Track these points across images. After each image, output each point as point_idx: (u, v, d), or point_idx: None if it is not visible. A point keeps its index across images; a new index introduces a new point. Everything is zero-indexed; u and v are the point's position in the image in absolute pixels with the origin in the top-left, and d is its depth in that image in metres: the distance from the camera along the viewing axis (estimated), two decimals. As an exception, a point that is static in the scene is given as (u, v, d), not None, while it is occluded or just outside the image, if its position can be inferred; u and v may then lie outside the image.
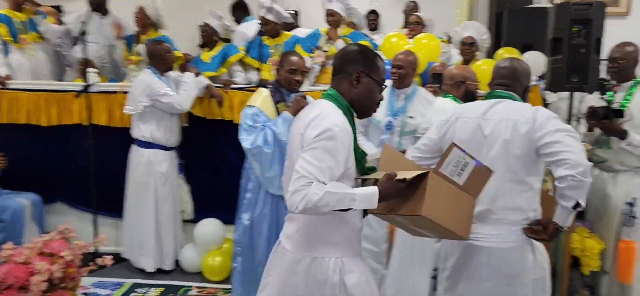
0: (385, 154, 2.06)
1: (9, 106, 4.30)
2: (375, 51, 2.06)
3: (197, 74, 4.14)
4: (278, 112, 3.16)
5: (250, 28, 5.01)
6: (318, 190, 1.75)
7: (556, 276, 3.26)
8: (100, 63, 4.95)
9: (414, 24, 5.08)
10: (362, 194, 1.81)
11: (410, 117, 3.49)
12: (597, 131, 3.37)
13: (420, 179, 1.85)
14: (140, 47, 4.75)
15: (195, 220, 4.21)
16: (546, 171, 2.36)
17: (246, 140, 3.10)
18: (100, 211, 4.21)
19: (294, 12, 6.09)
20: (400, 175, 1.84)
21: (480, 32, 4.42)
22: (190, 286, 3.92)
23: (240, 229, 3.32)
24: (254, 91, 3.57)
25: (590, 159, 2.18)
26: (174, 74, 4.18)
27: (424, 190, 1.83)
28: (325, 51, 4.51)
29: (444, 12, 6.11)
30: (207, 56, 4.69)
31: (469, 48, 4.35)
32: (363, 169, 1.97)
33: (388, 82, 3.40)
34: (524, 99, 2.36)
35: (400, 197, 1.87)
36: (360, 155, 1.95)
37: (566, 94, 3.66)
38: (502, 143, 2.18)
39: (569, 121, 3.50)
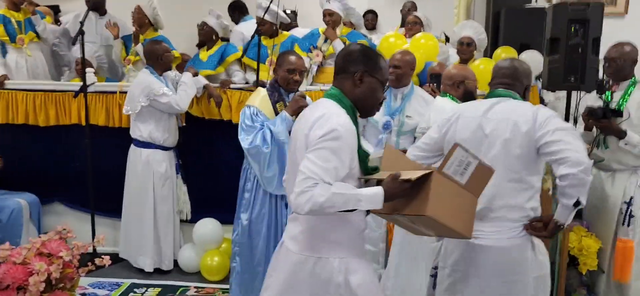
0: (387, 154, 2.06)
1: (6, 106, 4.30)
2: (378, 51, 2.06)
3: (195, 74, 4.14)
4: (276, 112, 3.16)
5: (247, 28, 5.02)
6: (324, 191, 1.74)
7: (554, 275, 3.26)
8: (98, 63, 4.95)
9: (411, 24, 5.08)
10: (368, 194, 1.81)
11: (408, 116, 3.50)
12: (595, 130, 3.37)
13: (424, 179, 1.86)
14: (138, 47, 4.75)
15: (193, 220, 4.21)
16: (546, 170, 2.37)
17: (245, 140, 3.10)
18: (97, 211, 4.20)
19: (292, 12, 6.08)
20: (405, 175, 1.84)
21: (477, 32, 4.42)
22: (189, 286, 3.92)
23: (238, 229, 3.31)
24: (252, 91, 3.58)
25: (588, 158, 2.19)
26: (172, 74, 4.18)
27: (428, 190, 1.83)
28: (323, 51, 4.51)
29: (442, 11, 6.11)
30: (205, 54, 4.69)
31: (466, 48, 4.35)
32: (366, 169, 1.97)
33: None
34: (524, 98, 2.37)
35: (404, 197, 1.87)
36: (363, 155, 1.95)
37: (564, 93, 3.66)
38: (502, 142, 2.19)
39: (566, 121, 3.51)
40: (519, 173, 2.19)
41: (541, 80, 3.79)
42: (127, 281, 3.95)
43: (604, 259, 3.45)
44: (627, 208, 3.32)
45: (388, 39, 4.53)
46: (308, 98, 3.26)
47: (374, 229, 3.51)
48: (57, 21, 5.48)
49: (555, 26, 3.41)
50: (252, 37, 4.04)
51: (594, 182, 3.32)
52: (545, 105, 3.91)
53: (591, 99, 3.50)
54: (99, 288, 3.84)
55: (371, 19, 6.56)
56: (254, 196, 3.25)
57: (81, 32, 3.90)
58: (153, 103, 3.88)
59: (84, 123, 4.13)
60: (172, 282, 3.98)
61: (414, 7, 5.94)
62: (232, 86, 4.21)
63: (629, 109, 3.27)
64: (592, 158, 3.40)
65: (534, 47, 4.42)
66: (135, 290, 3.85)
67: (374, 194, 1.82)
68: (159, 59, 3.98)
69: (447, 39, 5.43)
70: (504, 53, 4.47)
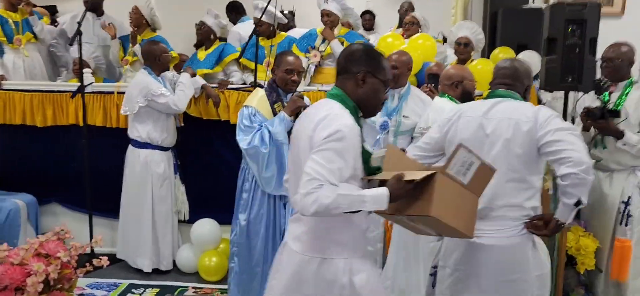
0: (389, 154, 2.06)
1: (3, 106, 4.29)
2: (380, 51, 2.06)
3: (193, 75, 4.14)
4: (274, 113, 3.16)
5: (244, 29, 5.02)
6: (329, 193, 1.74)
7: (551, 275, 3.27)
8: (95, 64, 4.94)
9: (409, 24, 5.09)
10: (373, 195, 1.81)
11: (405, 116, 3.50)
12: (593, 130, 3.38)
13: (428, 179, 1.87)
14: (136, 48, 4.75)
15: (191, 221, 4.21)
16: (545, 169, 2.38)
17: (243, 140, 3.09)
18: (95, 212, 4.20)
19: (289, 12, 6.09)
20: (409, 176, 1.85)
21: (475, 32, 4.43)
22: (187, 287, 3.91)
23: (237, 229, 3.31)
24: (250, 92, 3.58)
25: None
26: (169, 74, 4.17)
27: (432, 191, 1.84)
28: (321, 51, 4.51)
29: (439, 12, 6.12)
30: (203, 54, 4.69)
31: (464, 48, 4.36)
32: (369, 170, 1.96)
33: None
34: (525, 98, 2.38)
35: (408, 197, 1.88)
36: (366, 155, 1.95)
37: (561, 93, 3.67)
38: (503, 142, 2.20)
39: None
40: (520, 172, 2.20)
41: (539, 80, 3.80)
42: (125, 282, 3.95)
43: (601, 259, 3.46)
44: (625, 208, 3.34)
45: (386, 40, 4.53)
46: (306, 99, 3.26)
47: (372, 229, 3.52)
48: (54, 22, 5.47)
49: (553, 26, 3.42)
50: (250, 37, 4.04)
51: (592, 182, 3.34)
52: (543, 105, 3.92)
53: (589, 100, 3.51)
54: (97, 289, 3.83)
55: (369, 19, 6.57)
56: (252, 197, 3.24)
57: (79, 33, 3.90)
58: (151, 104, 3.87)
59: (81, 123, 4.13)
60: (170, 283, 3.97)
61: (411, 7, 5.95)
62: (229, 86, 4.21)
63: (627, 109, 3.28)
64: (590, 158, 3.41)
65: (532, 48, 4.43)
66: (133, 290, 3.85)
67: (379, 195, 1.81)
68: (157, 60, 3.97)
69: (445, 40, 5.44)
70: (502, 53, 4.49)
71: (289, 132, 3.14)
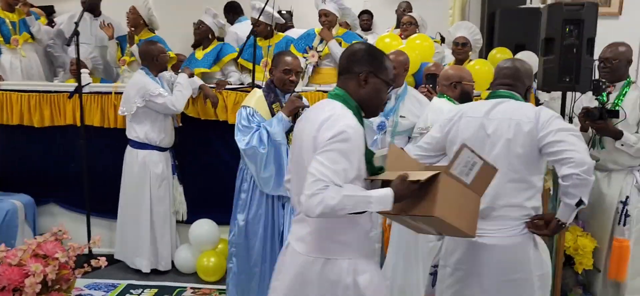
0: (391, 153, 2.06)
1: (1, 107, 4.27)
2: (382, 51, 2.05)
3: (191, 75, 4.14)
4: (272, 113, 3.15)
5: (241, 29, 5.02)
6: (335, 194, 1.73)
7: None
8: (93, 64, 4.93)
9: (406, 24, 5.09)
10: (378, 196, 1.81)
11: (402, 117, 3.51)
12: (591, 130, 3.39)
13: (432, 179, 1.87)
14: (134, 48, 4.74)
15: (190, 221, 4.20)
16: (546, 170, 2.39)
17: (241, 140, 3.09)
18: (93, 212, 4.19)
19: (287, 12, 6.08)
20: (413, 176, 1.85)
21: (472, 32, 4.43)
22: (185, 287, 3.91)
23: (235, 229, 3.31)
24: (248, 92, 3.57)
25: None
26: (167, 74, 4.17)
27: (435, 191, 1.85)
28: (319, 51, 4.51)
29: (437, 12, 6.12)
30: (200, 53, 4.68)
31: (461, 48, 4.36)
32: (372, 169, 1.96)
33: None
34: (526, 99, 2.39)
35: (412, 197, 1.88)
36: (369, 155, 1.94)
37: (558, 93, 3.68)
38: (504, 142, 2.21)
39: (562, 121, 3.52)
40: (521, 172, 2.21)
41: (536, 80, 3.81)
42: (124, 283, 3.95)
43: (599, 258, 3.47)
44: (623, 208, 3.35)
45: (383, 40, 4.53)
46: (305, 99, 3.26)
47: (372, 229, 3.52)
48: (51, 22, 5.46)
49: (550, 26, 3.42)
50: (248, 38, 4.04)
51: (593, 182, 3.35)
52: (541, 105, 3.93)
53: (586, 100, 3.52)
54: (95, 290, 3.83)
55: (366, 19, 6.58)
56: (251, 197, 3.24)
57: (76, 33, 3.89)
58: (149, 104, 3.87)
59: (79, 124, 4.12)
60: (169, 283, 3.97)
61: (409, 7, 5.95)
62: (227, 86, 4.21)
63: (624, 109, 3.29)
64: (590, 158, 3.42)
65: (529, 48, 4.43)
66: (131, 290, 3.84)
67: (384, 196, 1.81)
68: (155, 60, 3.97)
69: (443, 40, 5.44)
70: (499, 54, 4.48)
71: (288, 133, 3.14)
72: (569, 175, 2.06)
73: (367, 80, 1.94)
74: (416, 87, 3.95)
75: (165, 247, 4.12)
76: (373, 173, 1.96)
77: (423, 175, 1.86)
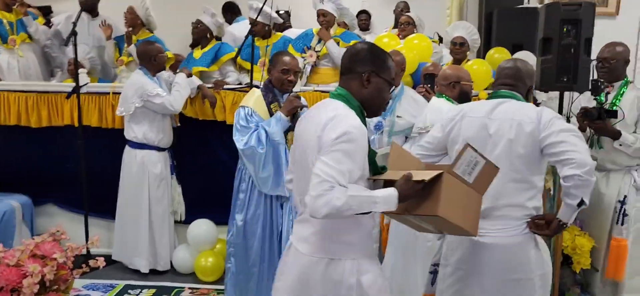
0: (394, 152, 2.07)
1: (-2, 107, 4.27)
2: (384, 50, 2.04)
3: (189, 75, 4.14)
4: (271, 113, 3.16)
5: (239, 29, 5.01)
6: (341, 195, 1.73)
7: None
8: (90, 65, 4.93)
9: (404, 24, 5.10)
10: (383, 196, 1.81)
11: (398, 117, 3.51)
12: (588, 130, 3.40)
13: (435, 179, 1.87)
14: (131, 48, 4.73)
15: (188, 221, 4.20)
16: (546, 170, 2.40)
17: (240, 140, 3.09)
18: (91, 213, 4.19)
19: (285, 12, 6.09)
20: (417, 176, 1.85)
21: (470, 32, 4.44)
22: (183, 287, 3.91)
23: (233, 230, 3.31)
24: (246, 92, 3.57)
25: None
26: (165, 74, 4.17)
27: (439, 190, 1.85)
28: (317, 51, 4.51)
29: (435, 12, 6.13)
30: (198, 52, 4.68)
31: (459, 48, 4.37)
32: (376, 169, 1.96)
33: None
34: (527, 99, 2.40)
35: (416, 197, 1.88)
36: (372, 155, 1.94)
37: (556, 93, 3.69)
38: (506, 142, 2.21)
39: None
40: (522, 172, 2.22)
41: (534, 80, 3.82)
42: (122, 283, 3.94)
43: (597, 258, 3.48)
44: (621, 207, 3.36)
45: (381, 40, 4.53)
46: (303, 99, 3.26)
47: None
48: (48, 22, 5.45)
49: (548, 26, 3.42)
50: (246, 37, 4.04)
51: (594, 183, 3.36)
52: (538, 105, 3.94)
53: (584, 100, 3.53)
54: (93, 290, 3.82)
55: (364, 19, 6.58)
56: (249, 197, 3.24)
57: (74, 33, 3.88)
58: (147, 104, 3.86)
59: (76, 124, 4.11)
60: (167, 283, 3.97)
61: (406, 7, 5.96)
62: (225, 86, 4.21)
63: (622, 109, 3.30)
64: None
65: (527, 48, 4.44)
66: (129, 291, 3.84)
67: (389, 196, 1.81)
68: (153, 60, 3.97)
69: (440, 40, 5.45)
70: (497, 54, 4.50)
71: (286, 133, 3.14)
72: (571, 176, 2.07)
73: (370, 80, 1.93)
74: (414, 87, 3.95)
75: (163, 247, 4.12)
76: (376, 173, 1.95)
77: (427, 175, 1.86)
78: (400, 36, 4.87)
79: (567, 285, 3.58)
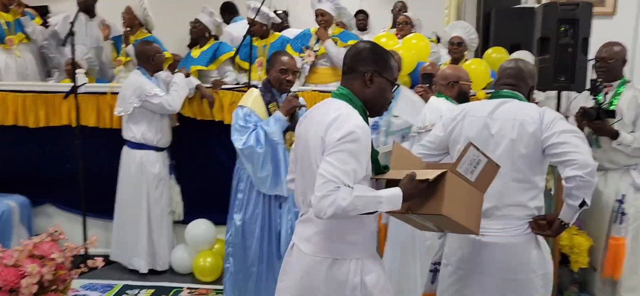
0: (395, 152, 2.07)
1: (-5, 107, 4.26)
2: (387, 50, 2.04)
3: (187, 75, 4.13)
4: (269, 113, 3.15)
5: (236, 29, 5.01)
6: (346, 195, 1.72)
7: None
8: (88, 65, 4.92)
9: (402, 24, 5.10)
10: (388, 196, 1.80)
11: (395, 116, 3.51)
12: (587, 130, 3.41)
13: (439, 178, 1.87)
14: (129, 48, 4.72)
15: (186, 221, 4.19)
16: (547, 170, 2.40)
17: (238, 140, 3.09)
18: (88, 213, 4.18)
19: (283, 12, 6.09)
20: (420, 175, 1.85)
21: (468, 32, 4.45)
22: (182, 287, 3.90)
23: (232, 229, 3.31)
24: (244, 92, 3.57)
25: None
26: (163, 74, 4.16)
27: (442, 189, 1.85)
28: (315, 51, 4.51)
29: (433, 12, 6.14)
30: (197, 52, 4.67)
31: (457, 48, 4.38)
32: (378, 168, 1.95)
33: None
34: (529, 99, 2.40)
35: (419, 196, 1.88)
36: (375, 154, 1.94)
37: (553, 93, 3.70)
38: (508, 142, 2.22)
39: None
40: (524, 172, 2.22)
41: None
42: (120, 283, 3.94)
43: (596, 257, 3.49)
44: (619, 206, 3.37)
45: (379, 40, 4.53)
46: (301, 98, 3.26)
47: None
48: (45, 22, 5.44)
49: (545, 26, 3.44)
50: (244, 37, 4.04)
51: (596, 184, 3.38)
52: (536, 105, 3.94)
53: (582, 100, 3.54)
54: (91, 290, 3.82)
55: (362, 19, 6.58)
56: (247, 197, 3.24)
57: (71, 33, 3.88)
58: (145, 104, 3.86)
59: (74, 124, 4.11)
60: (165, 283, 3.96)
61: (404, 7, 5.96)
62: (223, 86, 4.21)
63: (620, 108, 3.31)
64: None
65: (525, 47, 4.45)
66: (127, 291, 3.83)
67: (393, 196, 1.80)
68: (150, 60, 3.96)
69: (438, 40, 5.45)
70: (495, 53, 4.51)
71: (285, 132, 3.14)
72: (573, 177, 2.07)
73: (373, 79, 1.92)
74: (412, 86, 3.95)
75: (162, 247, 4.11)
76: (378, 172, 1.95)
77: (431, 174, 1.86)
78: (398, 36, 4.87)
79: (565, 284, 3.59)
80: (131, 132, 3.95)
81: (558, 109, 3.57)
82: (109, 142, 4.14)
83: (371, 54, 1.95)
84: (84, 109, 4.18)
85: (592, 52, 3.49)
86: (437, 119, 3.05)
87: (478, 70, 4.08)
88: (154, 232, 4.07)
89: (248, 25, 4.15)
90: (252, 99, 3.19)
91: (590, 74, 3.63)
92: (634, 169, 3.38)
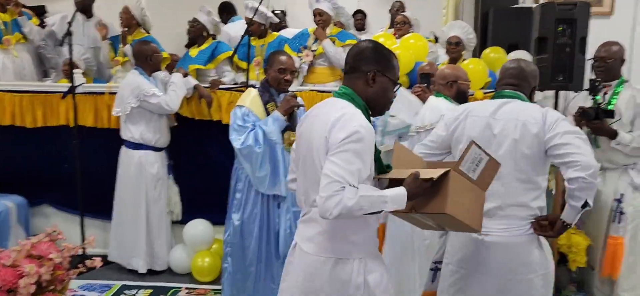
0: (397, 151, 2.07)
1: (-7, 107, 4.25)
2: (389, 49, 2.03)
3: (185, 75, 4.13)
4: (267, 113, 3.15)
5: (234, 29, 5.01)
6: (352, 195, 1.72)
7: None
8: (86, 65, 4.91)
9: (400, 24, 5.10)
10: (393, 196, 1.80)
11: (391, 116, 3.51)
12: (585, 130, 3.42)
13: (442, 177, 1.88)
14: (127, 48, 4.71)
15: (184, 221, 4.19)
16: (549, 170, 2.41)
17: (237, 140, 3.09)
18: (86, 213, 4.17)
19: (281, 12, 6.08)
20: (424, 174, 1.85)
21: (466, 31, 4.45)
22: (180, 288, 3.90)
23: (230, 229, 3.30)
24: (242, 91, 3.57)
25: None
26: (161, 74, 4.16)
27: (446, 188, 1.86)
28: (313, 51, 4.51)
29: (430, 12, 6.14)
30: (195, 51, 4.66)
31: (454, 48, 4.39)
32: (381, 168, 1.95)
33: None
34: (531, 99, 2.40)
35: (422, 195, 1.89)
36: (378, 153, 1.93)
37: (551, 92, 3.71)
38: (511, 142, 2.22)
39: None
40: (527, 173, 2.23)
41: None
42: (118, 283, 3.93)
43: (594, 256, 3.50)
44: (618, 206, 3.38)
45: (377, 40, 4.53)
46: (299, 98, 3.26)
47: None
48: (42, 22, 5.43)
49: (543, 26, 3.44)
50: (242, 37, 4.04)
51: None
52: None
53: (580, 99, 3.54)
54: (89, 290, 3.81)
55: (360, 19, 6.59)
56: (246, 197, 3.24)
57: (69, 33, 3.87)
58: (143, 104, 3.85)
59: (72, 124, 4.10)
60: (163, 284, 3.96)
61: (402, 7, 5.96)
62: (221, 86, 4.20)
63: (619, 108, 3.31)
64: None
65: (522, 47, 4.45)
66: (125, 291, 3.83)
67: (398, 195, 1.80)
68: (148, 60, 3.96)
69: (436, 39, 5.46)
70: (493, 53, 4.52)
71: (283, 132, 3.14)
72: (575, 178, 2.08)
73: (375, 79, 1.92)
74: (410, 86, 3.96)
75: (161, 247, 4.11)
76: (381, 171, 1.95)
77: (434, 173, 1.87)
78: (396, 36, 4.87)
79: (563, 283, 3.60)
80: (129, 132, 3.95)
81: (555, 109, 3.58)
82: (106, 143, 4.14)
83: (374, 53, 1.95)
84: (82, 109, 4.18)
85: (589, 52, 3.50)
86: (436, 119, 3.07)
87: (476, 70, 4.09)
88: (153, 232, 4.07)
89: (246, 25, 4.14)
90: (250, 98, 3.19)
91: (588, 74, 3.63)
92: (632, 169, 3.39)
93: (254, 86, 3.39)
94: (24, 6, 5.13)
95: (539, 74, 2.48)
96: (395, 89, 2.00)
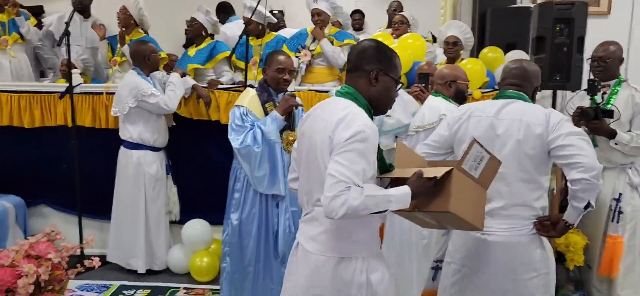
0: (399, 150, 2.08)
1: (-10, 107, 4.24)
2: (391, 48, 2.03)
3: (183, 75, 4.13)
4: (266, 112, 3.15)
5: (231, 29, 5.01)
6: (357, 195, 1.72)
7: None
8: (83, 65, 4.90)
9: (398, 24, 5.11)
10: (397, 195, 1.80)
11: (388, 116, 3.51)
12: (584, 129, 3.42)
13: (445, 176, 1.88)
14: (125, 48, 4.71)
15: (182, 221, 4.19)
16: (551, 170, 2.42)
17: (235, 140, 3.08)
18: (84, 214, 4.17)
19: (279, 12, 6.08)
20: (427, 173, 1.86)
21: (463, 31, 4.46)
22: (178, 288, 3.90)
23: (228, 229, 3.30)
24: (240, 91, 3.57)
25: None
26: (159, 74, 4.15)
27: (449, 187, 1.86)
28: (311, 51, 4.52)
29: (428, 11, 6.14)
30: (193, 50, 4.66)
31: (452, 47, 4.39)
32: (383, 167, 1.95)
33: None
34: (533, 99, 2.41)
35: (425, 194, 1.89)
36: (380, 153, 1.93)
37: (548, 92, 3.71)
38: (514, 143, 2.23)
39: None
40: (530, 173, 2.24)
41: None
42: (116, 284, 3.92)
43: (592, 255, 3.50)
44: (616, 205, 3.39)
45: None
46: (298, 98, 3.26)
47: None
48: (39, 23, 5.42)
49: (541, 25, 3.45)
50: (240, 37, 4.04)
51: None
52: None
53: (578, 99, 3.55)
54: (88, 290, 3.81)
55: (358, 19, 6.59)
56: (244, 196, 3.24)
57: (67, 33, 3.86)
58: (141, 104, 3.85)
59: (70, 124, 4.09)
60: (162, 284, 3.95)
61: (400, 7, 5.97)
62: (219, 86, 4.20)
63: (617, 108, 3.32)
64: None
65: (520, 47, 4.47)
66: (124, 291, 3.82)
67: (402, 194, 1.80)
68: (146, 60, 3.95)
69: (434, 39, 5.46)
70: (491, 53, 4.52)
71: (282, 132, 3.14)
72: (579, 179, 2.09)
73: (378, 78, 1.92)
74: (409, 86, 3.96)
75: (160, 247, 4.11)
76: (384, 170, 1.95)
77: (437, 172, 1.88)
78: (394, 35, 4.88)
79: (561, 282, 3.60)
80: (128, 132, 3.94)
81: (553, 108, 3.59)
82: (105, 143, 4.13)
83: (376, 52, 1.95)
84: (80, 109, 4.17)
85: (587, 52, 3.50)
86: (435, 118, 3.08)
87: (474, 69, 4.10)
88: (152, 232, 4.06)
89: (244, 25, 4.14)
90: (249, 98, 3.19)
91: (586, 74, 3.64)
92: (630, 168, 3.39)
93: (252, 86, 3.39)
94: (22, 6, 5.11)
95: (540, 75, 2.49)
96: (397, 88, 1.99)
